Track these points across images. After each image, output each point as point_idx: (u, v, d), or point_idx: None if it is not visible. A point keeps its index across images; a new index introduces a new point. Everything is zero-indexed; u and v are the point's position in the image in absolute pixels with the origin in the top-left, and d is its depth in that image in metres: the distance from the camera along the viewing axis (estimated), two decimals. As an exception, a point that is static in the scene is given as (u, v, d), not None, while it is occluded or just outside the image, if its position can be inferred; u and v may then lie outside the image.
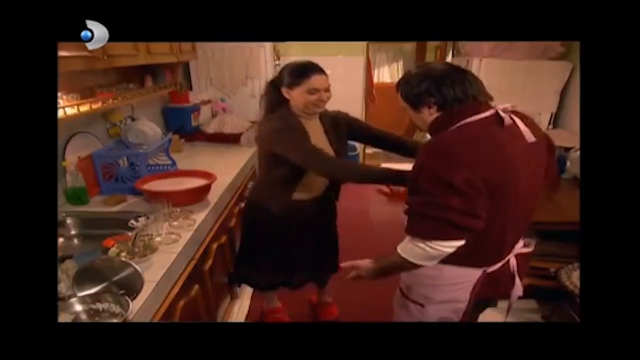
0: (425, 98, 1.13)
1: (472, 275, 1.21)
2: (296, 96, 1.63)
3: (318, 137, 1.70)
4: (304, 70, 1.62)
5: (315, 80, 1.60)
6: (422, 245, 1.09)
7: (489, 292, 1.26)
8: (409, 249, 1.13)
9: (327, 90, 1.65)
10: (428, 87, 1.12)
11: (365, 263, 1.32)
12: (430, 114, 1.14)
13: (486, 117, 1.09)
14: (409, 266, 1.16)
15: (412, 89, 1.15)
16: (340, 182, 1.87)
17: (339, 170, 1.61)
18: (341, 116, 1.83)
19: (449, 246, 1.07)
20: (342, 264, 1.39)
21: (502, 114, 1.08)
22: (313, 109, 1.65)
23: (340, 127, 1.78)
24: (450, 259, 1.12)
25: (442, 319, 1.26)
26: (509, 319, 1.51)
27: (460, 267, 1.19)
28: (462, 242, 1.07)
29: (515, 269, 1.27)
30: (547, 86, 3.33)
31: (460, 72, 1.14)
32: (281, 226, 1.84)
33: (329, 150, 1.70)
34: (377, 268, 1.29)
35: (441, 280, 1.21)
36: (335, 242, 2.10)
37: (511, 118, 1.09)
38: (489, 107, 1.11)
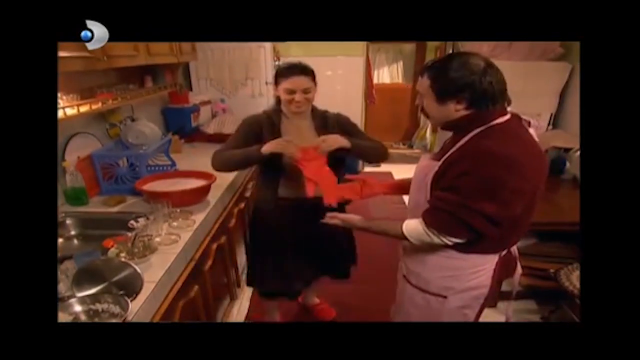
0: (461, 91, 1.07)
1: (491, 260, 1.24)
2: (279, 94, 1.69)
3: (305, 136, 1.70)
4: (286, 70, 1.65)
5: (293, 81, 1.62)
6: (433, 236, 1.15)
7: (503, 274, 1.30)
8: (417, 232, 1.18)
9: (306, 91, 1.65)
10: (472, 82, 1.06)
11: (352, 218, 1.38)
12: (456, 110, 1.10)
13: (510, 120, 1.12)
14: (400, 239, 1.23)
15: (452, 79, 1.07)
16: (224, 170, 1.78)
17: (217, 160, 1.69)
18: (336, 119, 1.79)
19: (455, 242, 1.15)
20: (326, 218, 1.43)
21: (524, 118, 1.15)
22: (290, 108, 1.68)
23: (330, 130, 1.72)
24: (474, 248, 1.18)
25: (465, 308, 1.28)
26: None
27: (482, 254, 1.22)
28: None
29: (517, 251, 1.33)
30: (547, 87, 3.34)
31: (497, 70, 1.09)
32: (273, 227, 1.80)
33: None
34: (364, 227, 1.35)
35: (464, 270, 1.23)
36: (345, 242, 2.00)
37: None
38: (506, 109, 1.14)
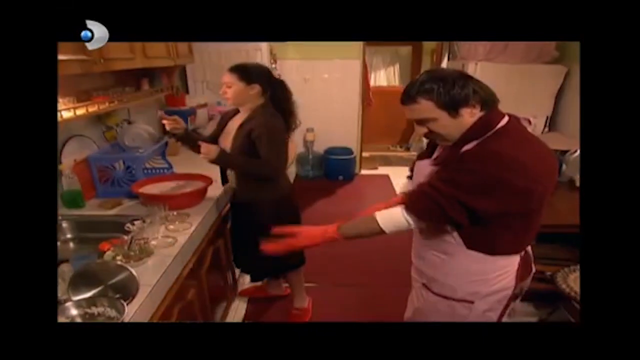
0: (472, 97, 1.08)
1: (514, 261, 1.25)
2: None
3: (230, 129, 1.89)
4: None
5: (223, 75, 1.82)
6: (409, 221, 1.16)
7: (524, 275, 1.30)
8: (394, 220, 1.18)
9: (226, 85, 1.81)
10: (474, 86, 1.09)
11: (325, 238, 1.25)
12: (472, 115, 1.10)
13: (510, 121, 1.13)
14: (376, 235, 1.21)
15: (458, 90, 1.07)
16: None
17: None
18: (258, 128, 1.77)
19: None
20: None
21: (522, 117, 1.16)
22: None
23: (248, 132, 1.78)
24: (500, 250, 1.20)
25: (489, 311, 1.28)
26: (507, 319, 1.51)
27: (507, 255, 1.23)
28: None
29: (531, 250, 1.33)
30: (543, 90, 3.35)
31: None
32: None
33: (227, 144, 1.86)
34: (339, 238, 1.24)
35: (490, 273, 1.23)
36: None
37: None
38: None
